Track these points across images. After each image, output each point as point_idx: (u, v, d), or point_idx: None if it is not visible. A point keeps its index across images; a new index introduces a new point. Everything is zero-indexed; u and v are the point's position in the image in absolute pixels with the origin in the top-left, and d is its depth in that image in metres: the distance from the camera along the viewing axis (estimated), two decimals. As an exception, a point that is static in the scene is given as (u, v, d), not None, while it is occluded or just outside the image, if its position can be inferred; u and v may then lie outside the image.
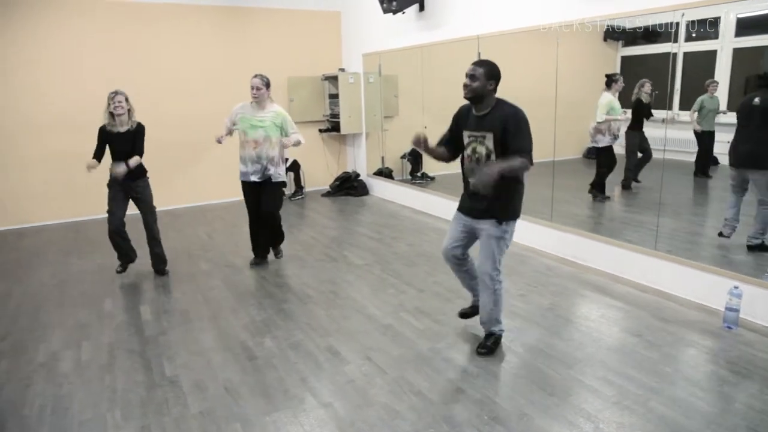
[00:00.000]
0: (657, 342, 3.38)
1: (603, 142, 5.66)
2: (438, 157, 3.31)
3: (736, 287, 3.48)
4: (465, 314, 3.63)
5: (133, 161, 4.40)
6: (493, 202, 3.03)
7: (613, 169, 5.84)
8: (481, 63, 3.00)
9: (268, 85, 4.60)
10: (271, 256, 5.18)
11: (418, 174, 8.08)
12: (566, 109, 5.24)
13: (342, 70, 8.20)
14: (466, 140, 3.14)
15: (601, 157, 5.80)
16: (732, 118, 6.30)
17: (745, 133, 4.29)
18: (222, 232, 6.22)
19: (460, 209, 3.29)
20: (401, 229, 6.27)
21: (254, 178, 4.70)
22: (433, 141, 3.26)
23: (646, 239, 4.39)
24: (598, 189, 5.86)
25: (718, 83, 5.72)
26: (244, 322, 3.83)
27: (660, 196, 4.52)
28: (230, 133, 4.77)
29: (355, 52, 8.15)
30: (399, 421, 2.63)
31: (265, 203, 4.80)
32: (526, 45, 6.00)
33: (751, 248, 4.20)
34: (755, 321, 3.56)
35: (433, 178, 8.09)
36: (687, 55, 6.51)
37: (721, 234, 4.42)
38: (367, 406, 2.77)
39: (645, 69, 6.90)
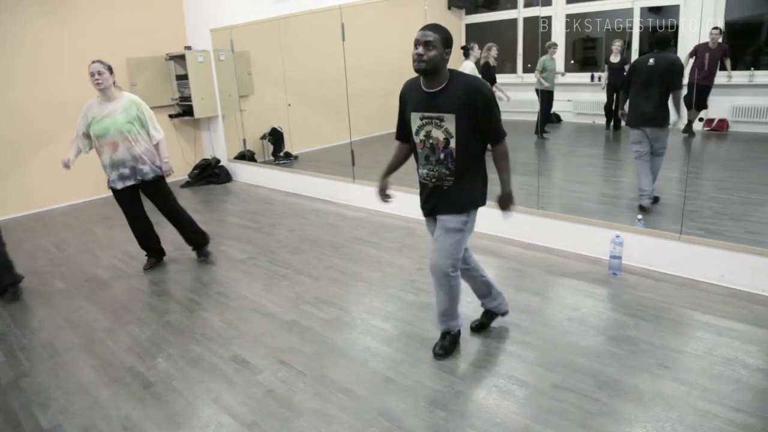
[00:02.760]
0: (557, 297, 3.54)
1: None
2: (401, 163, 2.98)
3: (617, 236, 3.75)
4: (480, 326, 3.21)
5: None
6: (455, 194, 2.68)
7: None
8: (435, 28, 2.51)
9: (110, 69, 3.98)
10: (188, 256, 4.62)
11: (281, 154, 7.76)
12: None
13: (188, 48, 7.46)
14: (416, 123, 2.67)
15: None
16: (570, 78, 6.81)
17: (644, 93, 4.35)
18: (73, 242, 5.39)
19: (424, 213, 2.89)
20: (277, 214, 5.94)
21: (128, 183, 4.14)
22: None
23: (528, 200, 4.56)
24: None
25: (557, 45, 6.15)
26: (126, 344, 3.32)
27: (537, 158, 4.72)
28: (84, 149, 4.15)
29: (201, 28, 7.45)
30: (336, 426, 2.44)
31: (161, 206, 4.35)
32: (387, 15, 5.90)
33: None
34: (633, 264, 3.89)
35: (296, 157, 7.82)
36: (527, 21, 6.89)
37: (641, 207, 4.37)
38: (296, 417, 2.53)
39: (489, 36, 7.19)
